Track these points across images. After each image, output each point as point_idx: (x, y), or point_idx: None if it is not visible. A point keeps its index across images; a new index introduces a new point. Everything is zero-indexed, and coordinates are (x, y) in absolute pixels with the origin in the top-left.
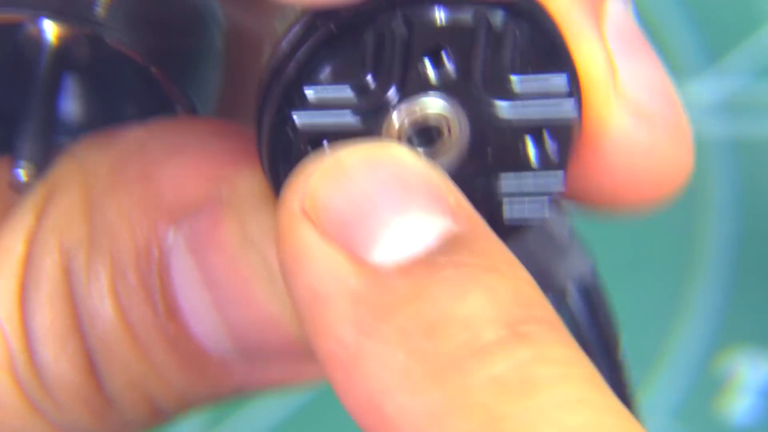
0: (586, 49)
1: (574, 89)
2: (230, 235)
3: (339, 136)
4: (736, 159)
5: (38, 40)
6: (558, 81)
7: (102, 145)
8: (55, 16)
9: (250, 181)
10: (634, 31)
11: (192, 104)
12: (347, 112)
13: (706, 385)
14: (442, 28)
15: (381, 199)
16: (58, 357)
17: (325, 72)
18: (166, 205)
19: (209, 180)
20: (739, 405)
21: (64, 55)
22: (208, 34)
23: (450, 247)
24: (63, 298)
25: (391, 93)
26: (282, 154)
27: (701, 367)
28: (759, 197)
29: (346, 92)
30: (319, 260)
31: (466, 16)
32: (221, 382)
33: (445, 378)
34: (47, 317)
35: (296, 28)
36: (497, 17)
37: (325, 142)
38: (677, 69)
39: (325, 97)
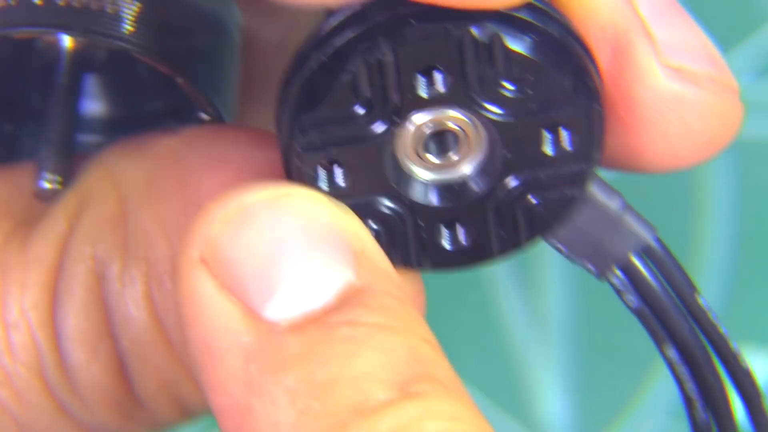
0: (619, 23)
1: (583, 82)
2: None
3: (345, 158)
4: (736, 159)
5: (56, 45)
6: (558, 78)
7: (134, 155)
8: (84, 35)
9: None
10: None
11: (217, 110)
12: (349, 136)
13: None
14: (428, 49)
15: (280, 250)
16: (89, 360)
17: (323, 103)
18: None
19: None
20: (738, 405)
21: (82, 57)
22: (230, 39)
23: (347, 303)
24: (95, 305)
25: (390, 114)
26: (297, 177)
27: None
28: (759, 197)
29: (344, 120)
30: (214, 313)
31: (448, 31)
32: None
33: None
34: (79, 322)
35: (299, 52)
36: (479, 29)
37: (335, 168)
38: None
39: (325, 126)
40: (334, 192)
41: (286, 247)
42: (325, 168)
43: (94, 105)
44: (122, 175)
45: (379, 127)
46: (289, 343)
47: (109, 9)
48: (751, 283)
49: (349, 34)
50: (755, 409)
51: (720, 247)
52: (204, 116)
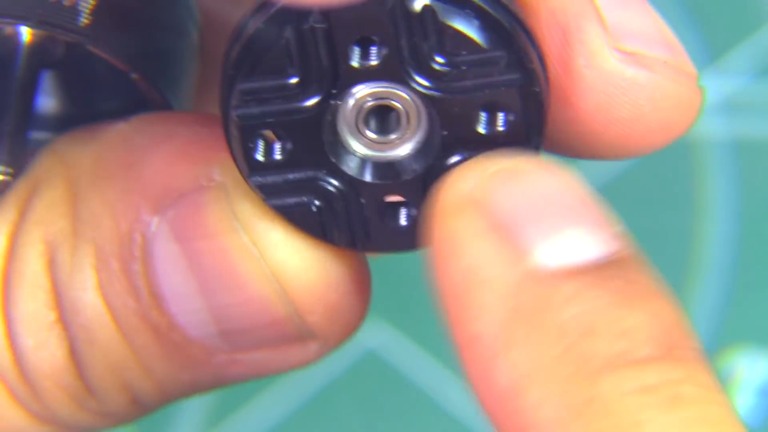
0: (570, 7)
1: (519, 60)
2: (217, 218)
3: (282, 129)
4: (736, 159)
5: (14, 39)
6: (492, 55)
7: (84, 140)
8: (39, 26)
9: (234, 166)
10: None
11: (169, 106)
12: (285, 106)
13: None
14: (360, 17)
15: (554, 205)
16: (39, 345)
17: (257, 70)
18: (149, 194)
19: (194, 166)
20: (739, 405)
21: (39, 54)
22: (187, 34)
23: (617, 265)
24: (45, 289)
25: (326, 85)
26: (236, 148)
27: None
28: (759, 197)
29: (279, 88)
30: (483, 247)
31: (381, 1)
32: (203, 370)
33: (597, 379)
34: (29, 306)
35: (239, 25)
36: (415, 2)
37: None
38: None
39: (261, 94)
40: (271, 164)
41: (560, 203)
42: (263, 139)
43: (49, 102)
44: (72, 159)
45: (314, 99)
46: (563, 284)
47: (66, 1)
48: (751, 283)
49: (279, 5)
50: None
51: (720, 247)
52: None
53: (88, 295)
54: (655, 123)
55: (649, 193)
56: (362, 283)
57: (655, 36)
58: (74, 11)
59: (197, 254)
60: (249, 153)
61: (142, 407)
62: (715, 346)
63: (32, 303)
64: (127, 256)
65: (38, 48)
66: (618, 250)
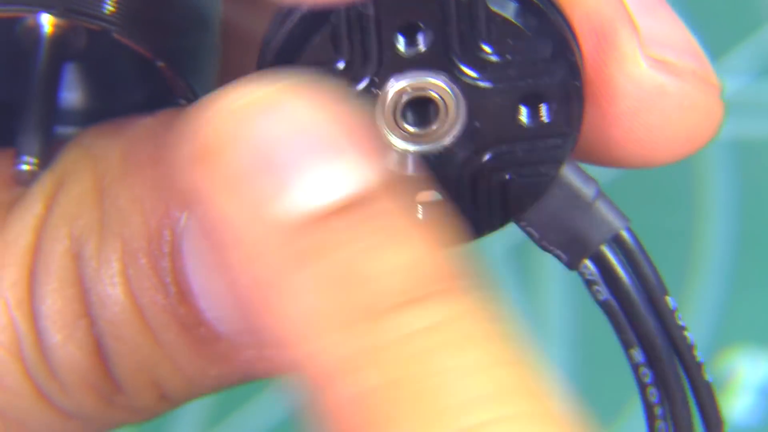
0: (604, 11)
1: (563, 53)
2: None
3: None
4: (736, 159)
5: (36, 31)
6: (538, 45)
7: (111, 134)
8: (65, 14)
9: None
10: None
11: (196, 96)
12: None
13: None
14: (409, 3)
15: (288, 148)
16: (66, 341)
17: (302, 56)
18: (178, 189)
19: None
20: (739, 405)
21: (62, 45)
22: (211, 26)
23: (367, 200)
24: (72, 284)
25: (370, 73)
26: None
27: None
28: (759, 197)
29: (322, 75)
30: (224, 202)
31: None
32: (230, 366)
33: (377, 326)
34: (56, 302)
35: (277, 17)
36: None
37: None
38: None
39: None
40: None
41: (290, 146)
42: None
43: (72, 95)
44: (99, 153)
45: (358, 87)
46: (317, 231)
47: None
48: (751, 283)
49: None
50: (711, 422)
51: (720, 247)
52: (183, 103)
53: (115, 291)
54: (681, 132)
55: (649, 193)
56: None
57: (684, 45)
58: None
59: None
60: None
61: (169, 402)
62: (715, 346)
63: (59, 298)
64: (156, 251)
65: (60, 39)
66: (368, 179)
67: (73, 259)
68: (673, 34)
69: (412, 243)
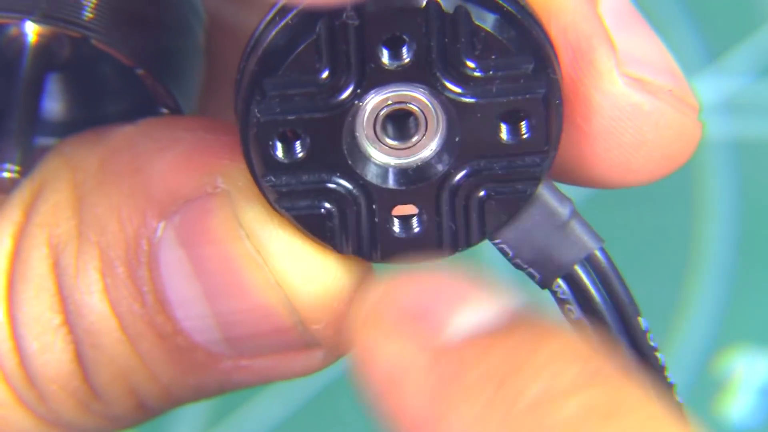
0: (582, 27)
1: (544, 69)
2: (222, 225)
3: (303, 127)
4: (736, 159)
5: (19, 40)
6: (520, 61)
7: (90, 143)
8: (43, 20)
9: (241, 173)
10: (631, 10)
11: (177, 104)
12: (309, 104)
13: (706, 385)
14: (393, 15)
15: (440, 300)
16: (44, 349)
17: (285, 65)
18: (156, 199)
19: (200, 173)
20: (739, 405)
21: (45, 54)
22: (192, 33)
23: (513, 318)
24: (50, 291)
25: (352, 84)
26: (254, 145)
27: (701, 367)
28: (759, 197)
29: (305, 85)
30: (389, 350)
31: (417, 1)
32: (207, 375)
33: (523, 420)
34: (34, 309)
35: (260, 25)
36: (449, 2)
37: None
38: None
39: (285, 90)
40: (290, 163)
41: (436, 300)
42: (282, 137)
43: (55, 106)
44: (78, 162)
45: (340, 97)
46: (464, 350)
47: None
48: (751, 283)
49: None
50: None
51: (720, 247)
52: (165, 111)
53: (93, 299)
54: (656, 152)
55: (649, 193)
56: (363, 291)
57: (661, 63)
58: (78, 6)
59: (202, 260)
60: (266, 151)
61: (148, 411)
62: (715, 346)
63: (37, 306)
64: (133, 260)
65: (43, 49)
66: (509, 306)
67: (52, 267)
68: (651, 52)
69: (549, 347)
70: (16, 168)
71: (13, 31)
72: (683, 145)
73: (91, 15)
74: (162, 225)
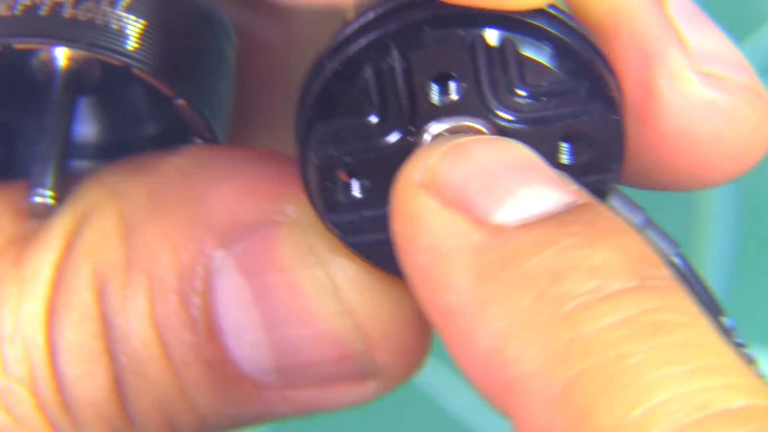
0: (652, 30)
1: (599, 89)
2: (293, 253)
3: (360, 168)
4: None
5: (50, 64)
6: (573, 85)
7: (135, 172)
8: (88, 48)
9: (307, 204)
10: (696, 9)
11: (214, 135)
12: (363, 146)
13: None
14: (439, 54)
15: (503, 172)
16: (84, 375)
17: (337, 111)
18: (215, 227)
19: (266, 201)
20: None
21: (76, 78)
22: (227, 59)
23: (576, 211)
24: (94, 319)
25: (404, 123)
26: (314, 187)
27: None
28: (759, 197)
29: (358, 128)
30: (441, 222)
31: (460, 37)
32: (249, 406)
33: (573, 320)
34: (76, 336)
35: (309, 72)
36: (492, 34)
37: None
38: None
39: (339, 134)
40: (352, 204)
41: (508, 171)
42: (342, 179)
43: (85, 129)
44: (123, 191)
45: (394, 137)
46: (522, 237)
47: (114, 25)
48: (751, 283)
49: (362, 42)
50: None
51: (720, 247)
52: (199, 141)
53: (140, 326)
54: (734, 149)
55: (649, 192)
56: (427, 322)
57: (733, 59)
58: (122, 35)
59: (266, 288)
60: (327, 193)
61: None
62: None
63: (80, 333)
64: (187, 289)
65: (74, 73)
66: (573, 200)
67: (96, 294)
68: (721, 48)
69: (609, 243)
70: (50, 193)
71: (44, 55)
72: (760, 140)
73: (135, 45)
74: (222, 253)
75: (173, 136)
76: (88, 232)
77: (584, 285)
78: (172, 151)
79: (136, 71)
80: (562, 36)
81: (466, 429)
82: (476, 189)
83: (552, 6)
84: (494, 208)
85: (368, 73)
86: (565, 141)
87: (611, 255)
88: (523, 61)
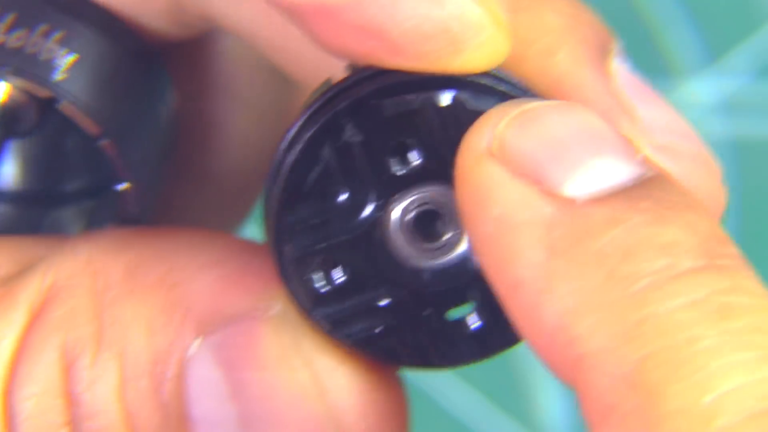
0: (600, 103)
1: None
2: (273, 351)
3: (336, 253)
4: (736, 159)
5: None
6: None
7: (113, 249)
8: (15, 73)
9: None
10: (641, 83)
11: (137, 180)
12: (335, 228)
13: None
14: (393, 123)
15: (573, 141)
16: None
17: (303, 197)
18: (194, 315)
19: (248, 295)
20: None
21: (10, 119)
22: (160, 110)
23: (646, 185)
24: (58, 394)
25: (372, 198)
26: (293, 281)
27: None
28: (759, 197)
29: (327, 211)
30: (511, 193)
31: (411, 102)
32: None
33: (643, 299)
34: (37, 408)
35: (273, 162)
36: (442, 96)
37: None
38: (677, 69)
39: (309, 221)
40: (335, 293)
41: (577, 139)
42: (320, 269)
43: (10, 173)
44: (99, 267)
45: (365, 214)
46: (593, 212)
47: (44, 55)
48: None
49: (316, 125)
50: None
51: None
52: (122, 187)
53: (108, 407)
54: None
55: None
56: (406, 414)
57: (681, 129)
58: (50, 66)
59: (244, 384)
60: (307, 285)
61: None
62: None
63: (42, 403)
64: (160, 374)
65: (9, 114)
66: (643, 173)
67: (64, 369)
68: (669, 120)
69: (680, 220)
70: None
71: None
72: (714, 206)
73: (62, 77)
74: (198, 341)
75: (100, 191)
76: (58, 306)
77: (655, 263)
78: (152, 230)
79: (62, 106)
80: (509, 92)
81: (466, 429)
82: (546, 159)
83: (497, 69)
84: (565, 179)
85: (326, 152)
86: None
87: (681, 233)
88: (475, 116)
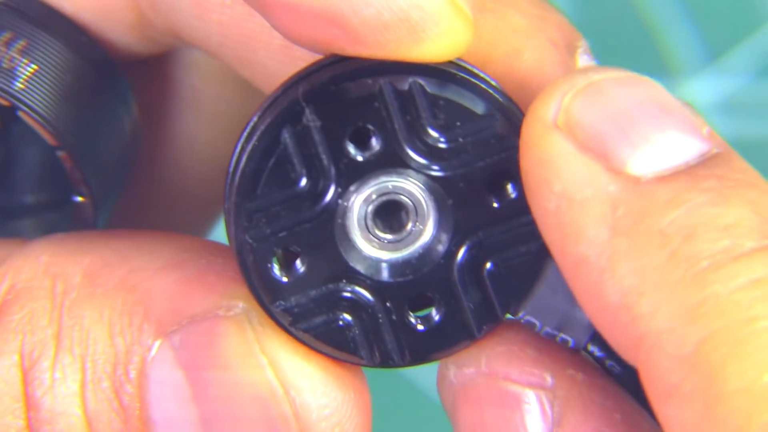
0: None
1: (514, 126)
2: (234, 350)
3: (297, 241)
4: None
5: None
6: (486, 122)
7: (72, 252)
8: None
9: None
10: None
11: (92, 193)
12: (296, 216)
13: None
14: (351, 106)
15: (639, 116)
16: None
17: (262, 183)
18: (154, 316)
19: (209, 296)
20: None
21: None
22: (119, 123)
23: (710, 163)
24: (17, 398)
25: (332, 185)
26: (253, 272)
27: None
28: None
29: (287, 198)
30: (575, 168)
31: (369, 86)
32: None
33: (705, 280)
34: None
35: (234, 152)
36: (399, 80)
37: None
38: (677, 69)
39: (269, 209)
40: (294, 281)
41: (643, 113)
42: (279, 258)
43: None
44: (59, 270)
45: (324, 202)
46: (657, 190)
47: (4, 64)
48: None
49: (275, 112)
50: None
51: None
52: (78, 199)
53: (68, 410)
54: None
55: None
56: (369, 412)
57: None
58: (10, 75)
59: (205, 384)
60: (267, 275)
61: None
62: None
63: (0, 411)
64: (121, 376)
65: None
66: (708, 149)
67: (23, 373)
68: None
69: (742, 200)
70: None
71: None
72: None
73: (22, 85)
74: (158, 343)
75: (58, 203)
76: (17, 309)
77: (717, 244)
78: (112, 233)
79: (21, 113)
80: (466, 77)
81: None
82: (612, 133)
83: (457, 59)
84: (630, 155)
85: (285, 138)
86: (491, 184)
87: (743, 213)
88: (434, 101)
